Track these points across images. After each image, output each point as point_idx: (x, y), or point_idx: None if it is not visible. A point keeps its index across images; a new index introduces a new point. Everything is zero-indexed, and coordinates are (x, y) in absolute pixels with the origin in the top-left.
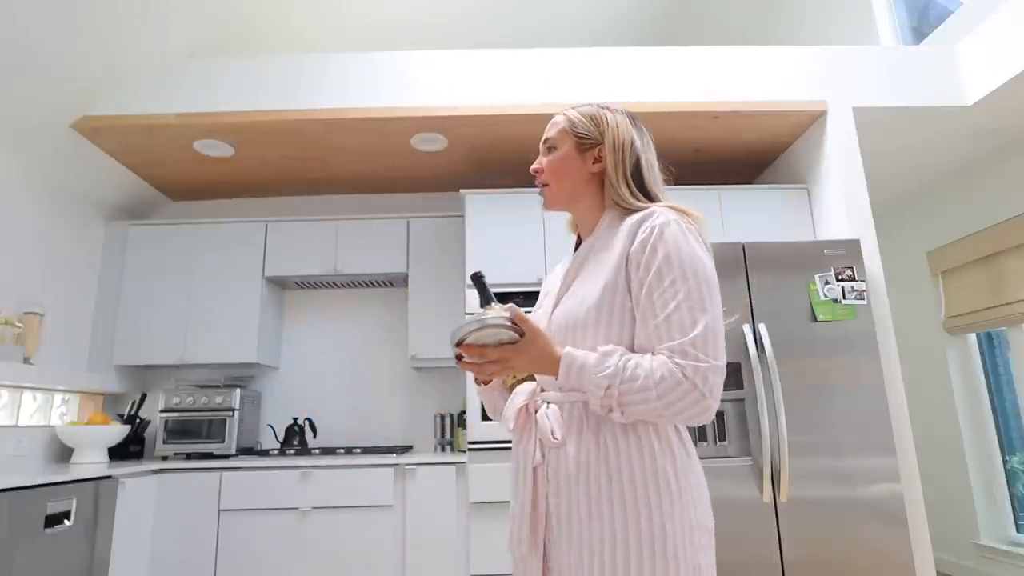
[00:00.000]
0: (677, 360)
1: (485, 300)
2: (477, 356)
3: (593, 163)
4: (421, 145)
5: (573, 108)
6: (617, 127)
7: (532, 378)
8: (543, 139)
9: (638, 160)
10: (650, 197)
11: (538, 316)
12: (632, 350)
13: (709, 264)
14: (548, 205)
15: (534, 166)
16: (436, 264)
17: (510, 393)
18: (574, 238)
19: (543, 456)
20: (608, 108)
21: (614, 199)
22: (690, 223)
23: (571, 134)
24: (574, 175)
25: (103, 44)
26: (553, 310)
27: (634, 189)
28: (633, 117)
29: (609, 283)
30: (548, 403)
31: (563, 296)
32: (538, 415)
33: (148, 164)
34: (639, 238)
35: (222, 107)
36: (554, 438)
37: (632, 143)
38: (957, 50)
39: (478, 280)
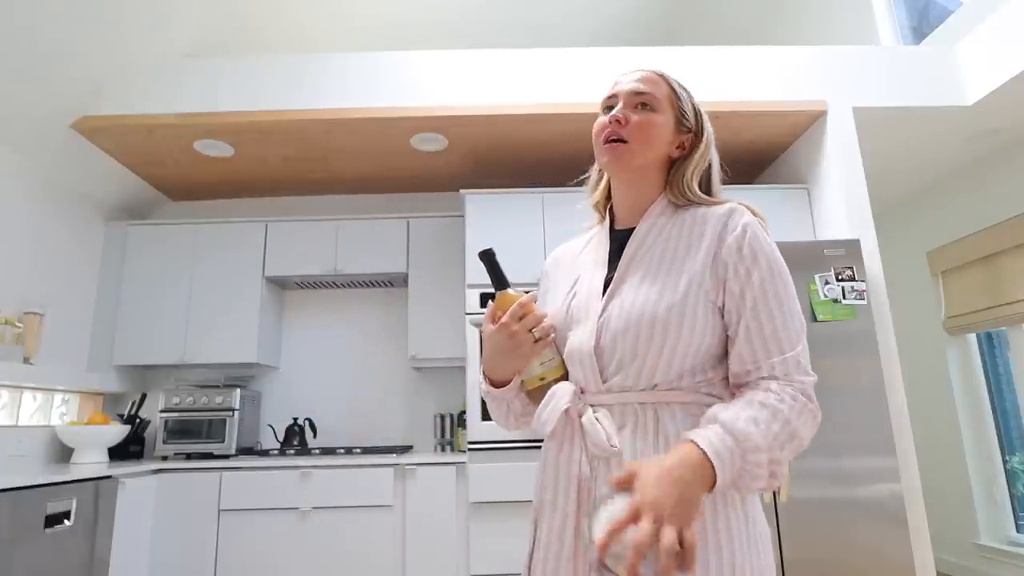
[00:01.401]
0: (793, 378)
1: (501, 283)
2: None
3: (677, 147)
4: (421, 145)
5: (668, 75)
6: (711, 128)
7: (565, 377)
8: (635, 91)
9: (711, 168)
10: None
11: (557, 308)
12: (712, 352)
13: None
14: (616, 162)
15: (618, 114)
16: (436, 264)
17: (529, 396)
18: (597, 218)
19: (592, 468)
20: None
21: (681, 190)
22: (762, 223)
23: (675, 106)
24: (660, 148)
25: (103, 44)
26: (607, 302)
27: (701, 185)
28: None
29: (695, 280)
30: (592, 406)
31: (618, 289)
32: (585, 420)
33: (148, 164)
34: (730, 238)
35: (222, 107)
36: (612, 446)
37: (714, 144)
38: (957, 50)
39: (489, 259)
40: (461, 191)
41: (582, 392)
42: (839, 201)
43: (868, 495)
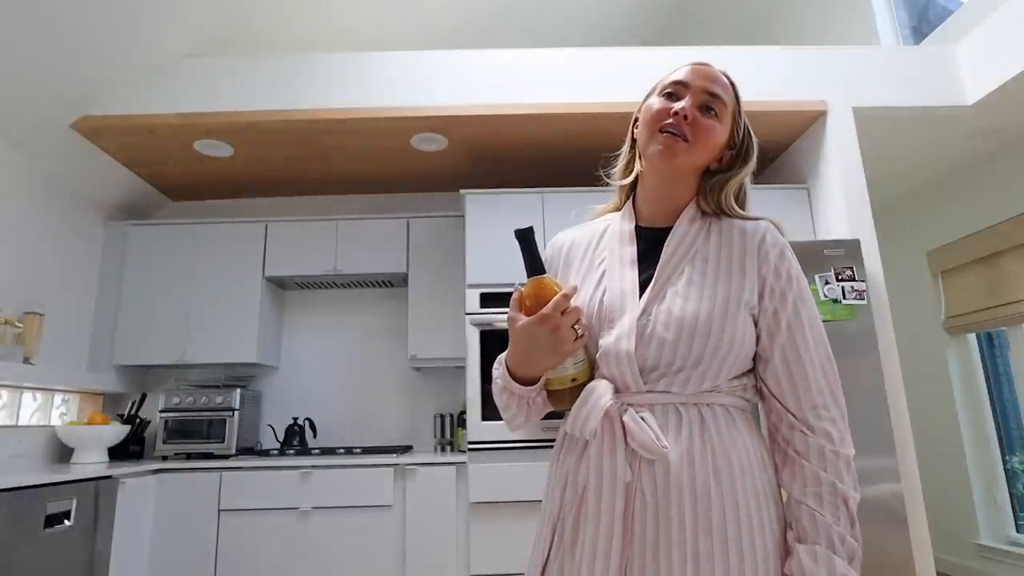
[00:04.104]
0: (840, 492)
1: (536, 268)
2: None
3: (718, 159)
4: (421, 145)
5: (734, 84)
6: (756, 150)
7: (590, 376)
8: (708, 90)
9: (744, 191)
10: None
11: (586, 305)
12: (750, 359)
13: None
14: (668, 156)
15: (685, 108)
16: (436, 264)
17: (549, 396)
18: (604, 208)
19: (633, 471)
20: None
21: (716, 200)
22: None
23: (733, 120)
24: (711, 157)
25: (103, 44)
26: (649, 304)
27: (737, 202)
28: None
29: (737, 292)
30: (631, 406)
31: (661, 292)
32: (628, 419)
33: (148, 164)
34: (771, 256)
35: (222, 107)
36: (662, 446)
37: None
38: (957, 50)
39: (526, 239)
40: (461, 191)
41: (617, 390)
42: (839, 201)
43: (868, 495)
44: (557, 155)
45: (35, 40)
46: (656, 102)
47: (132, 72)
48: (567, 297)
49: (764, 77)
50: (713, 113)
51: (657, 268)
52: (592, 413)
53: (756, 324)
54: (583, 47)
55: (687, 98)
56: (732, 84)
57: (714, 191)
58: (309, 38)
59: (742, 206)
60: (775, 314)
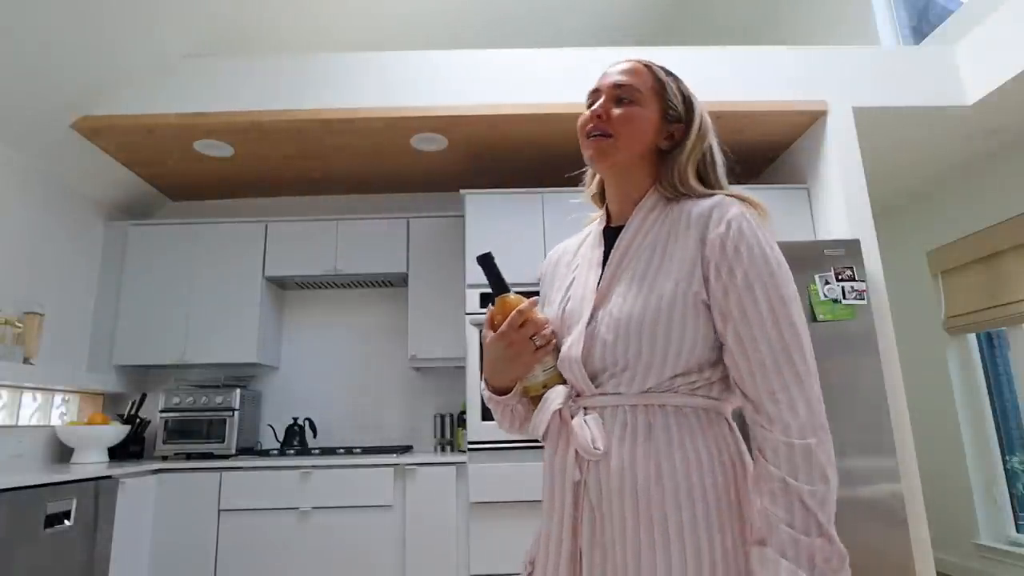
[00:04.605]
0: (805, 493)
1: (500, 287)
2: None
3: (665, 138)
4: (421, 145)
5: (653, 64)
6: (704, 115)
7: (562, 381)
8: (616, 83)
9: (714, 153)
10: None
11: (554, 313)
12: (707, 353)
13: (786, 267)
14: (599, 158)
15: (598, 109)
16: (436, 264)
17: (532, 402)
18: (599, 214)
19: (581, 471)
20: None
21: (671, 182)
22: (757, 216)
23: (660, 97)
24: (648, 142)
25: (103, 44)
26: (595, 309)
27: (697, 176)
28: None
29: (681, 282)
30: (586, 409)
31: (607, 294)
32: (574, 423)
33: (148, 164)
34: (713, 235)
35: (222, 107)
36: (595, 448)
37: (711, 134)
38: (957, 50)
39: (487, 263)
40: (461, 191)
41: (577, 396)
42: (839, 201)
43: (868, 495)
44: (557, 155)
45: (35, 40)
46: (582, 116)
47: (132, 72)
48: (521, 312)
49: (764, 77)
50: (627, 100)
51: (606, 268)
52: (542, 417)
53: (712, 311)
54: (583, 47)
55: (600, 99)
56: (647, 65)
57: (669, 172)
58: (309, 38)
59: (710, 180)
60: (725, 294)
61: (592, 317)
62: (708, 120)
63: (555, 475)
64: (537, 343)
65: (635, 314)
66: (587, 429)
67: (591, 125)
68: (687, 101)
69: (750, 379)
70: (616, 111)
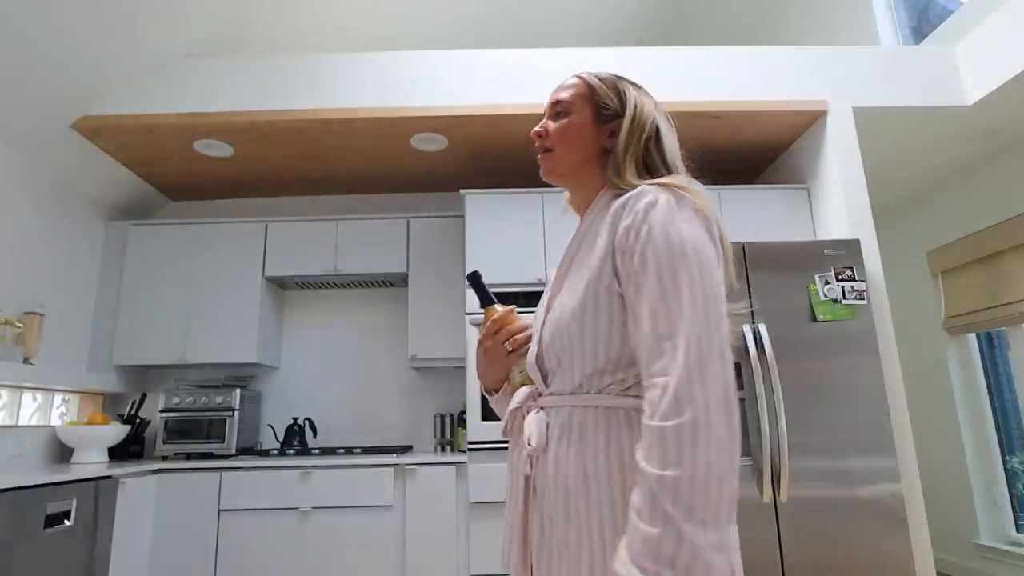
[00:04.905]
0: (644, 443)
1: (485, 301)
2: None
3: (609, 137)
4: (421, 145)
5: (589, 73)
6: (641, 104)
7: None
8: (552, 101)
9: (657, 133)
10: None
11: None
12: (630, 352)
13: (704, 249)
14: (548, 173)
15: (537, 128)
16: (436, 264)
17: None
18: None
19: (532, 466)
20: (629, 81)
21: (614, 179)
22: (684, 198)
23: (591, 101)
24: (588, 146)
25: (103, 44)
26: (547, 311)
27: (651, 169)
28: (656, 102)
29: (594, 277)
30: (542, 408)
31: (554, 296)
32: (525, 420)
33: (148, 164)
34: (622, 225)
35: (222, 107)
36: (528, 444)
37: (653, 121)
38: (957, 50)
39: (475, 280)
40: (461, 191)
41: (539, 395)
42: (839, 201)
43: (868, 495)
44: None
45: (35, 40)
46: None
47: (132, 72)
48: (495, 321)
49: (764, 77)
50: (562, 114)
51: (558, 271)
52: (505, 415)
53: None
54: (583, 47)
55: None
56: (580, 76)
57: (610, 169)
58: (309, 38)
59: (656, 169)
60: (628, 278)
61: (544, 319)
62: (648, 109)
63: (512, 469)
64: (509, 348)
65: (560, 314)
66: (530, 426)
67: (536, 144)
68: (621, 96)
69: (641, 361)
70: (553, 126)
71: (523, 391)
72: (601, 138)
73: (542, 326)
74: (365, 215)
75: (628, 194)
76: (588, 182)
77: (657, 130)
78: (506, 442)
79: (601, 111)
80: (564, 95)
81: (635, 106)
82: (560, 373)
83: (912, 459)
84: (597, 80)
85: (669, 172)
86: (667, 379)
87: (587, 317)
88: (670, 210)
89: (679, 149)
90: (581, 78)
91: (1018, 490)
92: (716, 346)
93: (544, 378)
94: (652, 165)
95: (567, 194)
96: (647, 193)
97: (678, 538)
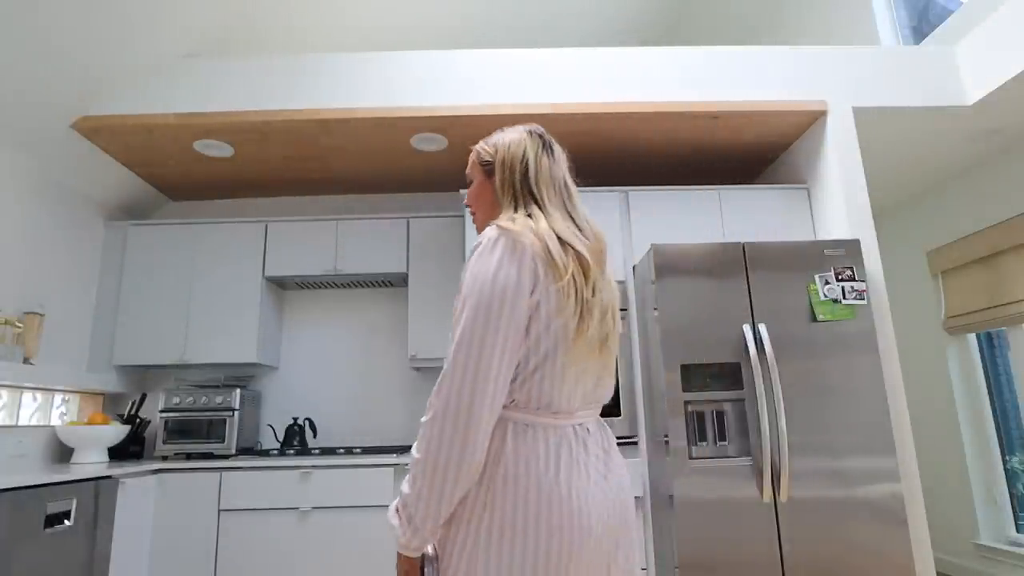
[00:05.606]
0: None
1: None
2: None
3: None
4: (421, 145)
5: (478, 144)
6: (508, 146)
7: None
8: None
9: (526, 171)
10: (544, 210)
11: None
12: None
13: (496, 282)
14: (478, 229)
15: (466, 199)
16: (436, 264)
17: None
18: None
19: None
20: (513, 129)
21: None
22: (506, 234)
23: (478, 164)
24: (486, 201)
25: (103, 44)
26: None
27: (520, 203)
28: (541, 134)
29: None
30: None
31: None
32: None
33: (148, 164)
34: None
35: (222, 107)
36: None
37: (521, 156)
38: (957, 50)
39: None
40: (461, 191)
41: None
42: (839, 201)
43: (868, 495)
44: None
45: (35, 41)
46: None
47: (132, 72)
48: None
49: (764, 77)
50: (470, 183)
51: None
52: None
53: None
54: (583, 47)
55: None
56: (473, 148)
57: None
58: (308, 38)
59: (528, 203)
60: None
61: None
62: (512, 147)
63: None
64: None
65: None
66: None
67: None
68: (494, 145)
69: None
70: (469, 193)
71: None
72: (489, 199)
73: None
74: (365, 215)
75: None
76: None
77: (526, 164)
78: None
79: (486, 168)
80: (467, 171)
81: (497, 150)
82: None
83: (912, 459)
84: (482, 144)
85: (536, 201)
86: (436, 389)
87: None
88: (483, 251)
89: (560, 168)
90: (472, 149)
91: (1018, 490)
92: (460, 368)
93: None
94: (522, 198)
95: None
96: (483, 236)
97: (400, 514)
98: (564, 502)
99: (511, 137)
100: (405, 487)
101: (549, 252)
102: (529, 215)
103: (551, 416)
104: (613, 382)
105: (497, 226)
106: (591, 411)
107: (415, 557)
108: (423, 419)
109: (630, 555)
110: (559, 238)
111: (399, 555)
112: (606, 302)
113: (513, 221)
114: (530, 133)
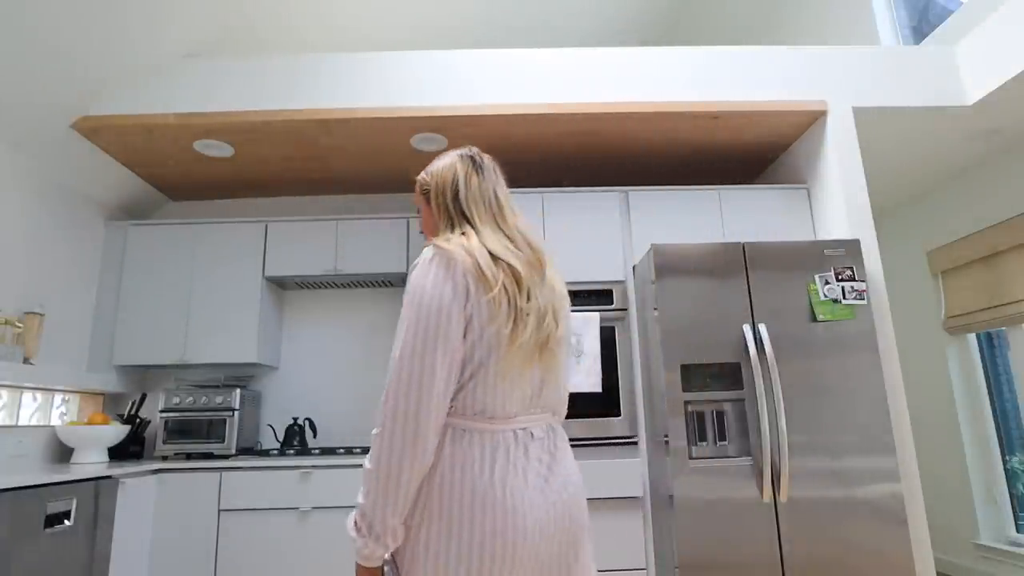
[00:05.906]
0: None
1: None
2: None
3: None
4: (421, 145)
5: (421, 175)
6: (439, 172)
7: None
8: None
9: (456, 194)
10: (475, 227)
11: None
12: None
13: (432, 297)
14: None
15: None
16: None
17: None
18: None
19: None
20: (447, 154)
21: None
22: (440, 252)
23: (420, 192)
24: (431, 225)
25: (103, 44)
26: None
27: (455, 223)
28: (472, 156)
29: None
30: None
31: None
32: None
33: (148, 164)
34: None
35: (222, 107)
36: None
37: (451, 180)
38: (957, 50)
39: None
40: None
41: None
42: (839, 201)
43: (868, 495)
44: (557, 155)
45: (35, 41)
46: None
47: (132, 72)
48: None
49: (764, 77)
50: (418, 211)
51: None
52: None
53: None
54: (583, 47)
55: None
56: (417, 178)
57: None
58: (309, 38)
59: (461, 222)
60: None
61: None
62: (443, 172)
63: None
64: None
65: None
66: None
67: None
68: (429, 176)
69: None
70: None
71: None
72: (435, 221)
73: None
74: (365, 215)
75: None
76: None
77: (456, 187)
78: None
79: (425, 196)
80: (416, 199)
81: (431, 177)
82: None
83: (912, 459)
84: (421, 174)
85: (468, 220)
86: (383, 400)
87: None
88: (420, 269)
89: (489, 185)
90: (414, 180)
91: (1018, 490)
92: (404, 378)
93: None
94: (456, 218)
95: None
96: (421, 256)
97: (358, 517)
98: (499, 503)
99: (443, 163)
100: (360, 498)
101: (479, 267)
102: (463, 233)
103: (486, 421)
104: (561, 385)
105: (433, 245)
106: (536, 416)
107: (376, 567)
108: (373, 432)
109: (580, 554)
110: (490, 253)
111: (359, 567)
112: (544, 306)
113: (448, 240)
114: (461, 157)
